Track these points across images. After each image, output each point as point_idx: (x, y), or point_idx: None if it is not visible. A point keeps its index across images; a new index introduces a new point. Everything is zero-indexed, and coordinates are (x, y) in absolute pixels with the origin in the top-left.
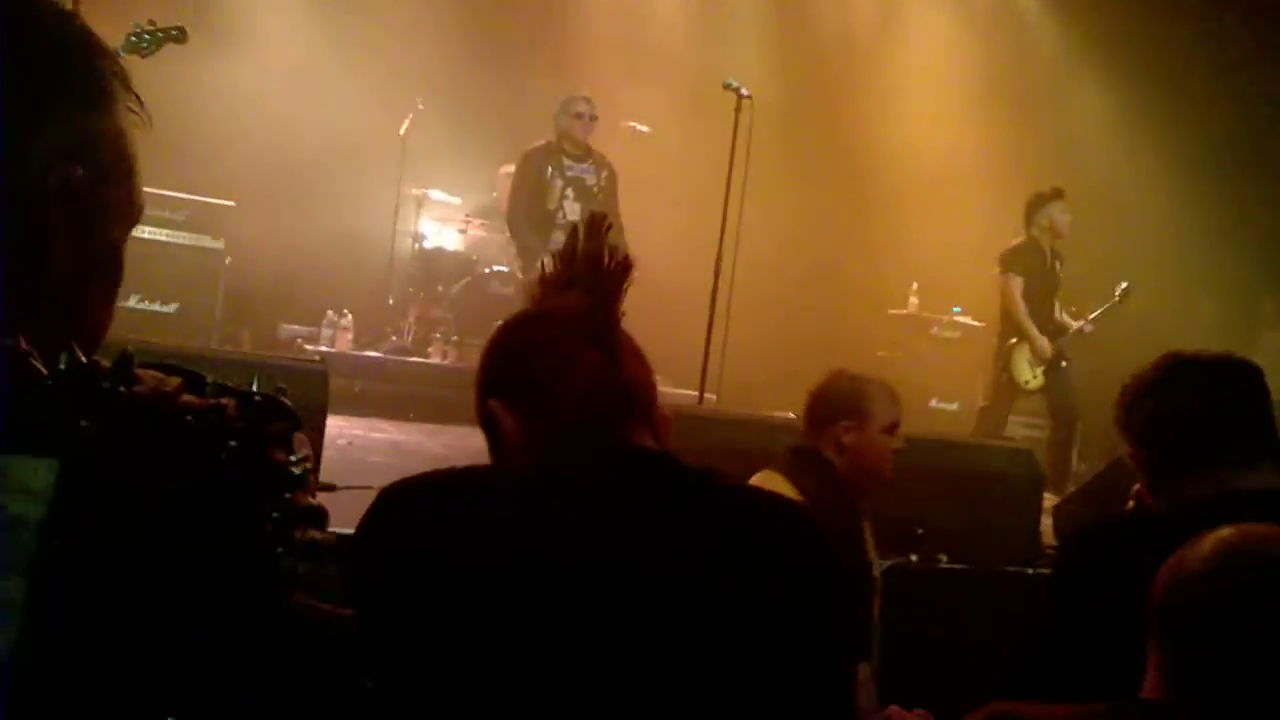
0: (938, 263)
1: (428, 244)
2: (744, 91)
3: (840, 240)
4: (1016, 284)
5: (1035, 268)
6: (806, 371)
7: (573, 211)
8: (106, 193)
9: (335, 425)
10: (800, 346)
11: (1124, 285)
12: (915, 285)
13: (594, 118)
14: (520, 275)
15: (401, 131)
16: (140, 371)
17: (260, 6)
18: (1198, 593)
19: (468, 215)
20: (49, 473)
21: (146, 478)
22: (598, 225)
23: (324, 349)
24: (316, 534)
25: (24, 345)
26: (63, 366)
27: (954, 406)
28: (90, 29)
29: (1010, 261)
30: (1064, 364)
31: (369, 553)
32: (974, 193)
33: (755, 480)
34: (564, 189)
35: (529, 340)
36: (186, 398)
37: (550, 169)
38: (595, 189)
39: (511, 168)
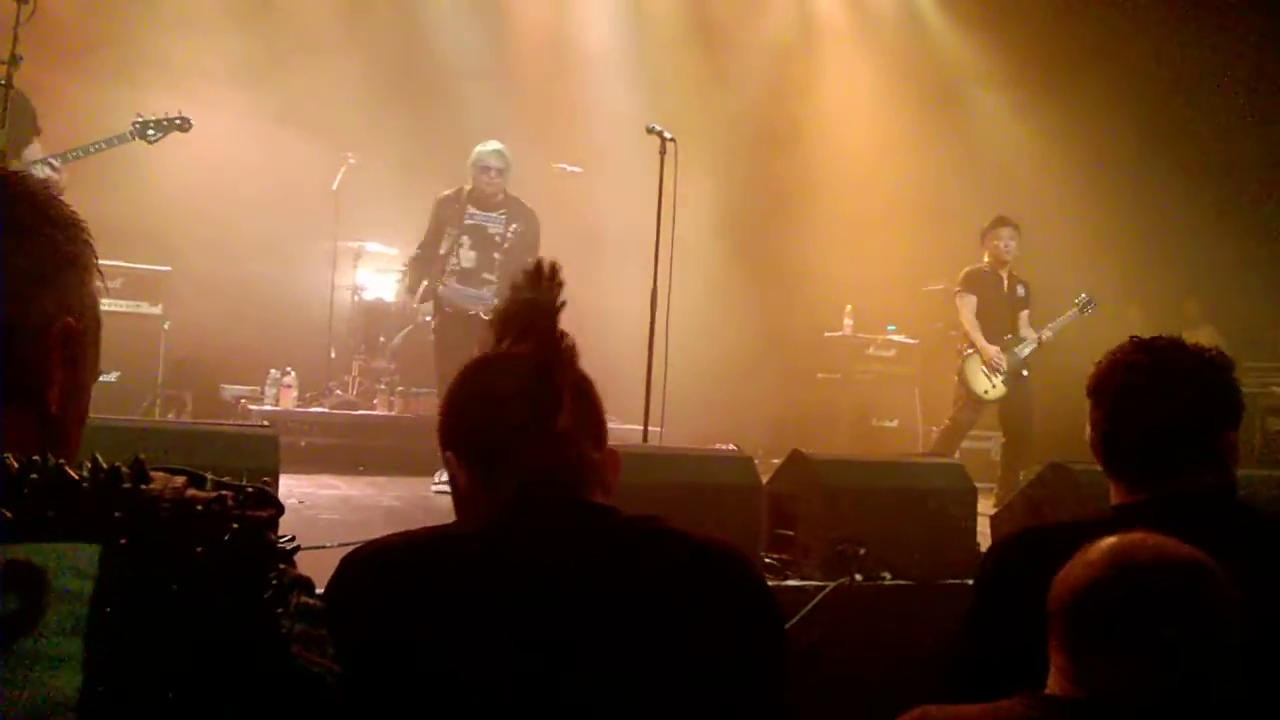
0: (869, 284)
1: (367, 295)
2: (667, 135)
3: (773, 269)
4: (969, 302)
5: (988, 287)
6: (749, 399)
7: (467, 259)
8: (87, 345)
9: (285, 484)
10: (740, 375)
11: (1083, 296)
12: (849, 308)
13: (500, 170)
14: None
15: (334, 187)
16: (151, 473)
17: (189, 70)
18: (1093, 597)
19: (404, 264)
20: (93, 555)
21: (169, 557)
22: (542, 274)
23: (268, 408)
24: (308, 599)
25: (54, 459)
26: (87, 472)
27: (894, 424)
28: (71, 209)
29: (964, 282)
30: (1024, 373)
31: (332, 621)
32: (903, 215)
33: None
34: (459, 236)
35: (472, 394)
36: (192, 491)
37: (448, 216)
38: (498, 238)
39: None
